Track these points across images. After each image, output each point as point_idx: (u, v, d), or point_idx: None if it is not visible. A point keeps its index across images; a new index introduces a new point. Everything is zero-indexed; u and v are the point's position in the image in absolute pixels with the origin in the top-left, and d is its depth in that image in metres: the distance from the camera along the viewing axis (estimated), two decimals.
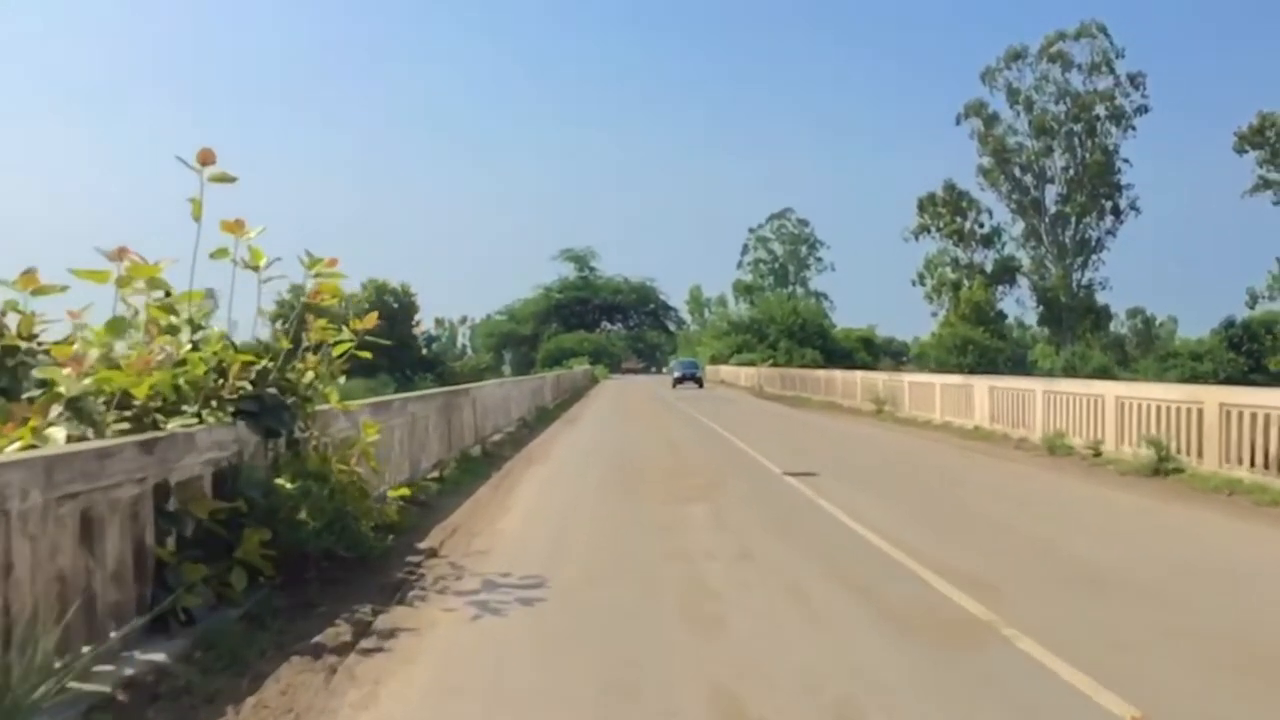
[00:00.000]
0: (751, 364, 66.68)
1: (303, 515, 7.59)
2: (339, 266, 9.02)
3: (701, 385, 59.29)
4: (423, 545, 9.66)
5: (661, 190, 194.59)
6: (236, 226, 8.46)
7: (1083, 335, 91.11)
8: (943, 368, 72.49)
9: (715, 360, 78.60)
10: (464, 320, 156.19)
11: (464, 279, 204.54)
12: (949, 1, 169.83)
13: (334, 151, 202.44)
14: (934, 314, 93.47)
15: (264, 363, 8.32)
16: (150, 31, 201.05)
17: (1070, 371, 79.02)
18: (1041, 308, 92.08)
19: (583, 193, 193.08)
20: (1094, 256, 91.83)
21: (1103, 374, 75.90)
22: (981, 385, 23.00)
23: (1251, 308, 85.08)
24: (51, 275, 7.71)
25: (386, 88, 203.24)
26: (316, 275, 8.98)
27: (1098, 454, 16.21)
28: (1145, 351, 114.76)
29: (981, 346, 79.45)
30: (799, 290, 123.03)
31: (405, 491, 11.37)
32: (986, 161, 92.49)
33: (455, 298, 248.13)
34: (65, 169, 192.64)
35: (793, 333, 78.60)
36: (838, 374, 38.48)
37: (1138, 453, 14.69)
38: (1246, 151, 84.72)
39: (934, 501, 12.47)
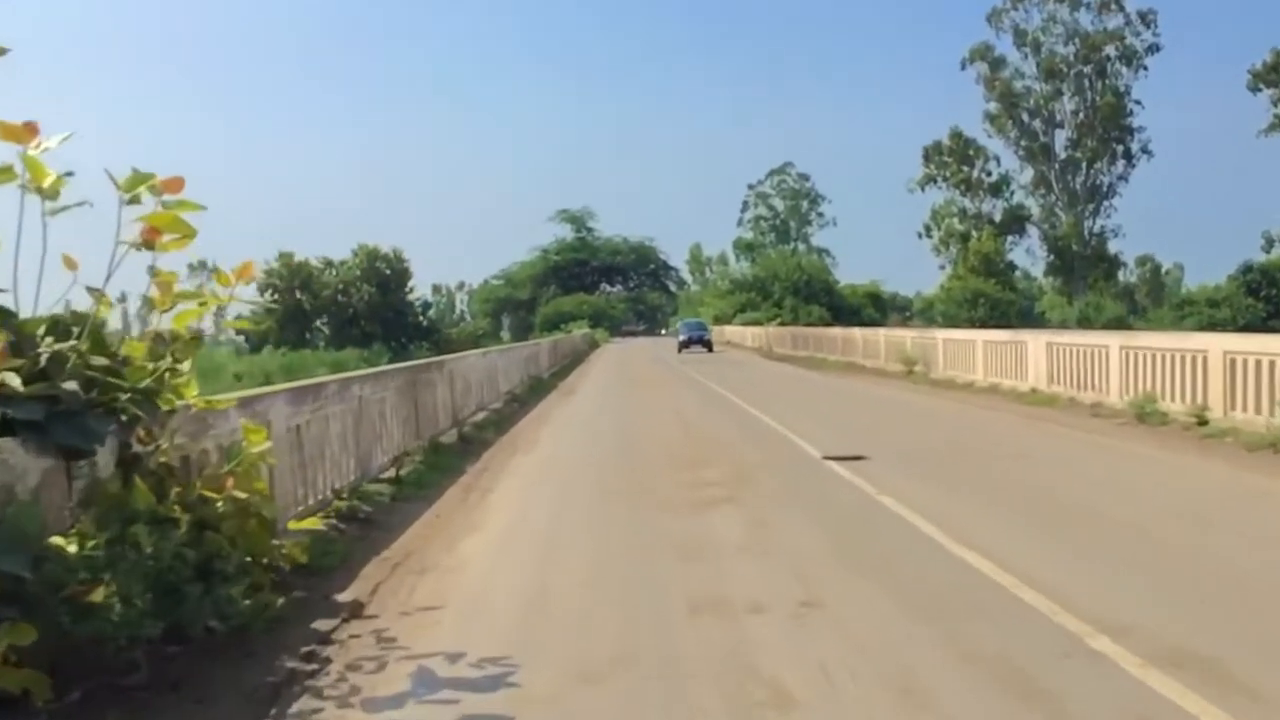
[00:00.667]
0: (757, 323, 63.67)
1: (105, 593, 4.61)
2: (186, 192, 5.75)
3: (710, 349, 50.94)
4: (344, 597, 6.69)
5: (659, 148, 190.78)
6: (23, 132, 5.38)
7: (1094, 285, 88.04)
8: (952, 322, 69.52)
9: (719, 320, 75.50)
10: (461, 286, 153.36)
11: (461, 244, 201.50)
12: None
13: (329, 114, 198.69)
14: (941, 266, 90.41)
15: (55, 346, 5.24)
16: None
17: (1085, 323, 76.01)
18: (1052, 257, 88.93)
19: (579, 153, 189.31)
20: (1105, 203, 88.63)
21: (1118, 325, 72.83)
22: (1037, 342, 19.94)
23: (1268, 252, 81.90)
24: None
25: (383, 49, 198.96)
26: (154, 200, 5.74)
27: (1203, 422, 13.21)
28: (1155, 301, 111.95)
29: (993, 299, 76.28)
30: (800, 247, 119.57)
31: (312, 524, 8.15)
32: (993, 107, 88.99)
33: (453, 264, 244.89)
34: None
35: (798, 290, 75.47)
36: (857, 332, 35.39)
37: (1271, 422, 11.66)
38: (1261, 90, 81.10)
39: (1040, 500, 9.43)
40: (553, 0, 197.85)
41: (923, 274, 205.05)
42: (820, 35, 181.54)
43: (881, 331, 32.93)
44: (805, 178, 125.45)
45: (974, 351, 23.28)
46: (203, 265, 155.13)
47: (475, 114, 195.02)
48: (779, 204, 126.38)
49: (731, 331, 66.49)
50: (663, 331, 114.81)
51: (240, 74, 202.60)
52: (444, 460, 13.31)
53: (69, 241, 5.51)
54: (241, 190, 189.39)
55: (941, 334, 27.71)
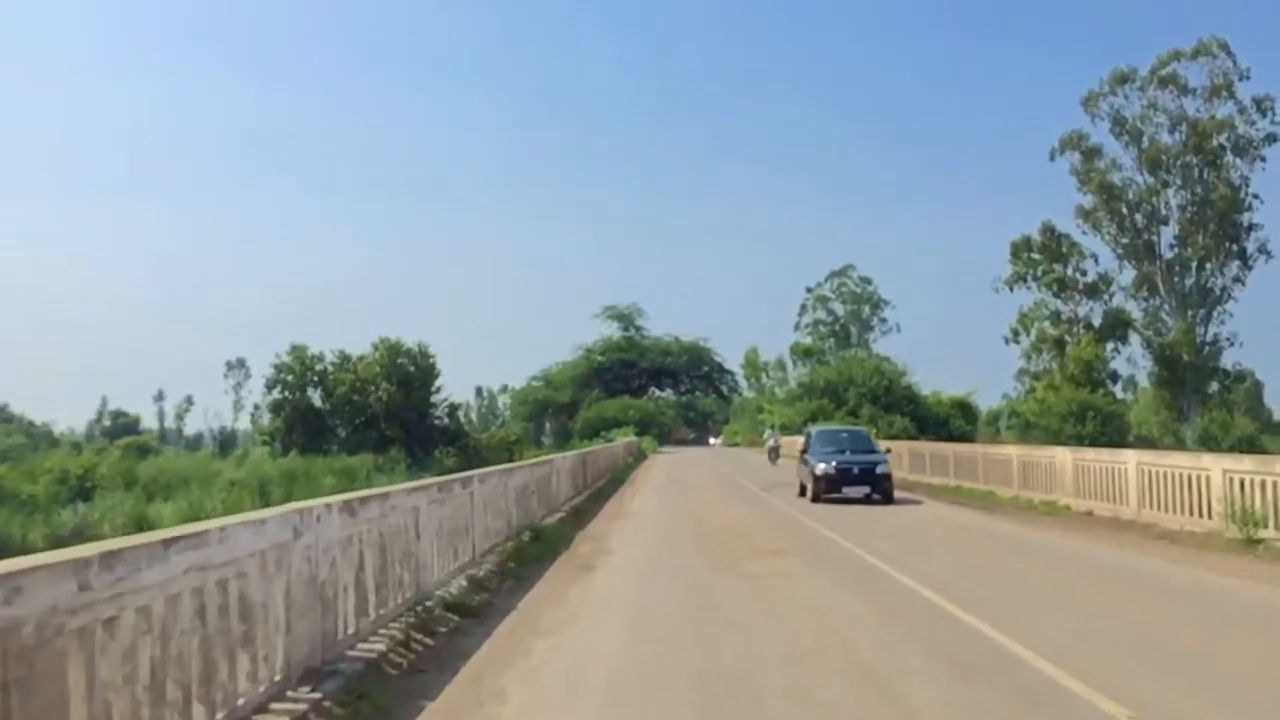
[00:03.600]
0: None
1: None
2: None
3: (890, 496, 23.71)
4: None
5: (711, 248, 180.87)
6: None
7: (1210, 400, 74.95)
8: (1055, 438, 56.87)
9: (786, 430, 63.25)
10: (505, 389, 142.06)
11: (508, 345, 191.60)
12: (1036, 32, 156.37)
13: (367, 214, 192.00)
14: (1034, 375, 77.85)
15: None
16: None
17: (1211, 443, 62.95)
18: (1158, 367, 75.95)
19: (627, 253, 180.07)
20: (1219, 308, 75.94)
21: (1249, 446, 59.90)
22: None
23: None
24: None
25: (416, 142, 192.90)
26: None
27: None
28: (1256, 418, 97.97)
29: (1104, 412, 63.35)
30: (861, 354, 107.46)
31: None
32: (1088, 201, 77.33)
33: (498, 365, 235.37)
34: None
35: (876, 397, 63.20)
36: (1014, 451, 23.36)
37: None
38: None
39: None
40: (610, 95, 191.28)
41: (991, 384, 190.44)
42: (881, 123, 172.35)
43: (1063, 453, 20.55)
44: (867, 281, 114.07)
45: None
46: (241, 363, 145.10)
47: (523, 211, 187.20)
48: (839, 308, 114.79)
49: None
50: (713, 441, 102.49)
51: (292, 170, 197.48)
52: None
53: None
54: (283, 289, 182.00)
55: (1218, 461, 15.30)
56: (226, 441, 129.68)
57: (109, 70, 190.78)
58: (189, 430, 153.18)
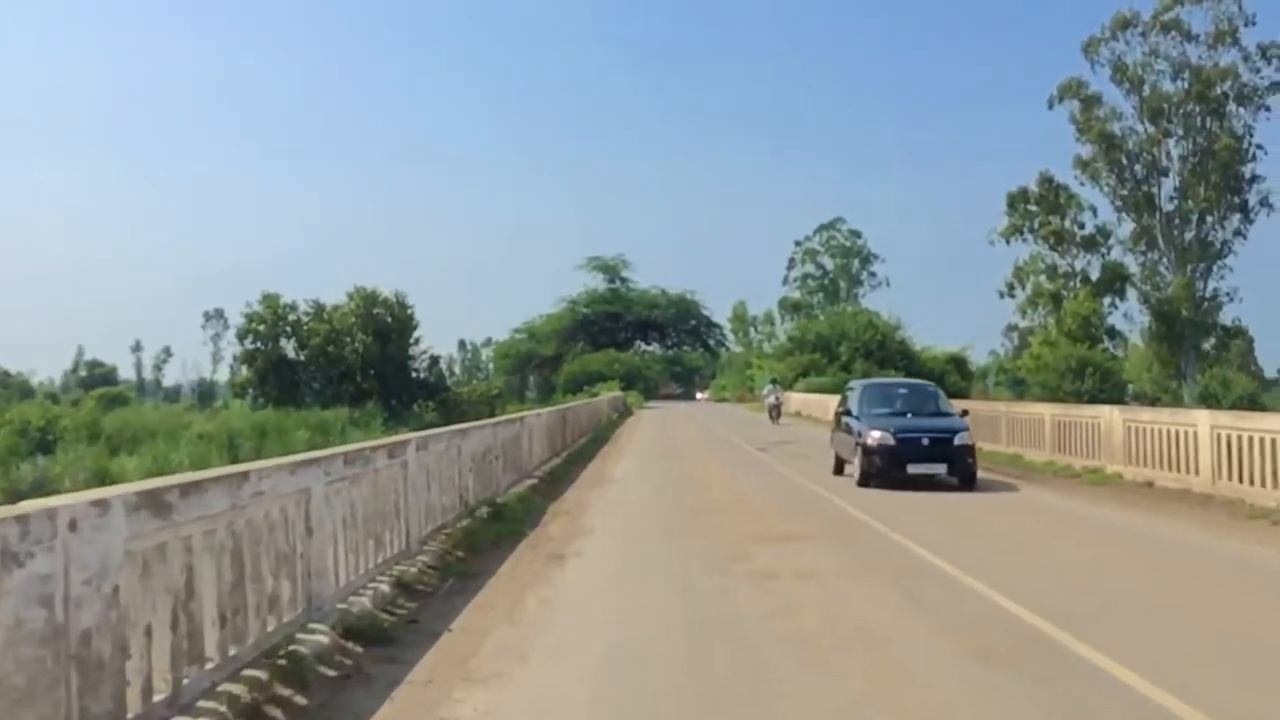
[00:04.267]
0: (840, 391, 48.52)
1: None
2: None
3: (972, 479, 16.51)
4: None
5: (698, 202, 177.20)
6: None
7: (1206, 357, 72.61)
8: (1053, 394, 54.36)
9: (777, 385, 60.64)
10: (489, 342, 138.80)
11: (493, 298, 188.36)
12: None
13: (358, 162, 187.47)
14: (1012, 329, 75.58)
15: None
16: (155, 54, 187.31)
17: (1212, 402, 60.57)
18: (1156, 322, 73.36)
19: (613, 205, 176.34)
20: (1219, 262, 73.30)
21: (1250, 404, 57.53)
22: None
23: None
24: None
25: (409, 97, 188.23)
26: None
27: None
28: (1247, 373, 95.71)
29: (1102, 369, 60.72)
30: (849, 309, 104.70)
31: None
32: (1086, 151, 74.24)
33: (483, 318, 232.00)
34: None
35: (870, 351, 60.52)
36: (1110, 413, 18.42)
37: None
38: None
39: None
40: (598, 53, 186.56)
41: (982, 339, 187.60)
42: (868, 72, 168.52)
43: (1111, 413, 17.60)
44: (857, 234, 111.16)
45: None
46: (219, 314, 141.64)
47: (514, 162, 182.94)
48: (828, 262, 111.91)
49: (800, 400, 51.28)
50: (699, 396, 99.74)
51: (274, 124, 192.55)
52: None
53: None
54: (265, 242, 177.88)
55: None
56: (205, 393, 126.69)
57: (85, 23, 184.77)
58: (168, 382, 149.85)
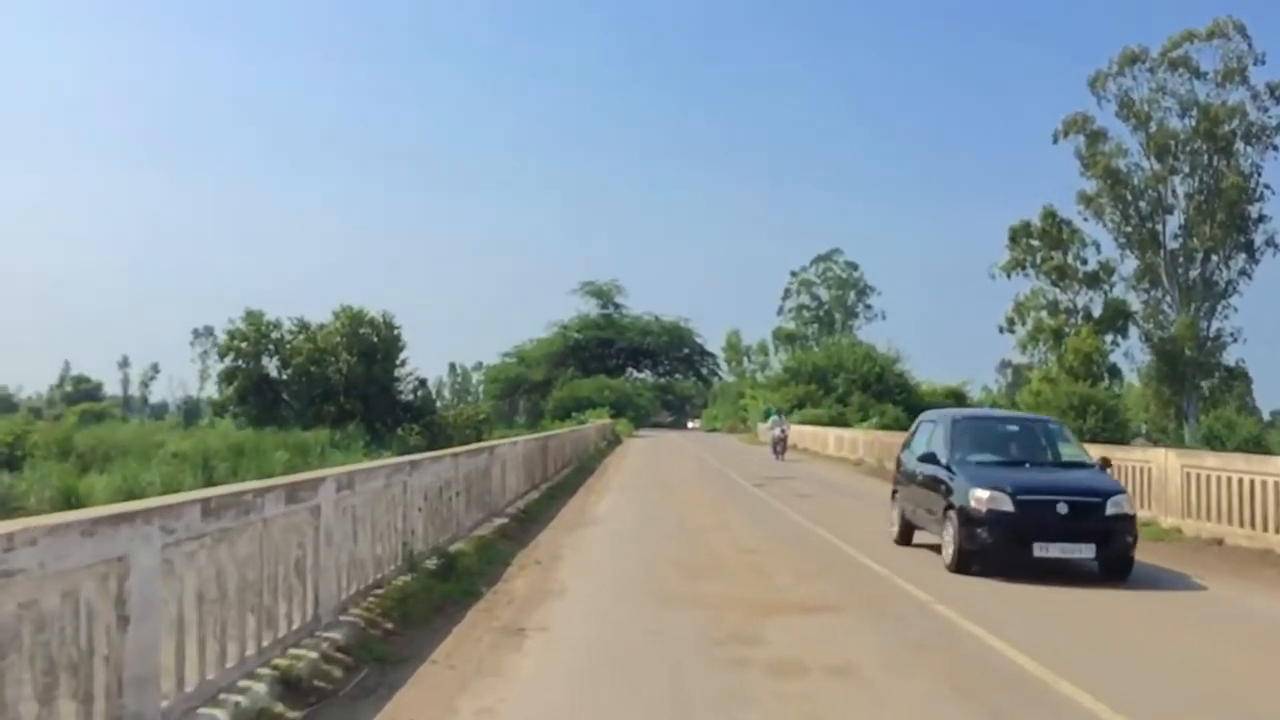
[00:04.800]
0: (840, 423, 46.23)
1: None
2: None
3: (1129, 565, 11.14)
4: None
5: (694, 230, 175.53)
6: None
7: (1208, 397, 70.71)
8: None
9: (769, 416, 58.42)
10: (479, 366, 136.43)
11: (482, 322, 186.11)
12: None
13: (344, 187, 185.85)
14: (1006, 365, 73.53)
15: None
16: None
17: (1216, 444, 58.47)
18: (1158, 361, 71.32)
19: (608, 231, 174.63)
20: (1223, 302, 71.45)
21: (1255, 446, 55.47)
22: None
23: None
24: None
25: (395, 120, 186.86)
26: None
27: None
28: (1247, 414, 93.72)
29: (1105, 407, 58.59)
30: (844, 341, 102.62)
31: None
32: (1091, 186, 72.54)
33: (474, 341, 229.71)
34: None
35: (868, 384, 58.39)
36: (1122, 454, 16.67)
37: None
38: None
39: None
40: (595, 76, 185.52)
41: (972, 377, 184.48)
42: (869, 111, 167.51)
43: (1165, 457, 15.32)
44: (853, 266, 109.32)
45: None
46: (208, 332, 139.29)
47: (510, 185, 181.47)
48: (824, 293, 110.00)
49: (796, 433, 48.89)
50: (691, 424, 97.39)
51: (268, 141, 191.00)
52: None
53: None
54: (256, 261, 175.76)
55: None
56: (191, 411, 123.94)
57: (83, 36, 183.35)
58: (155, 399, 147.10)
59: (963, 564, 11.04)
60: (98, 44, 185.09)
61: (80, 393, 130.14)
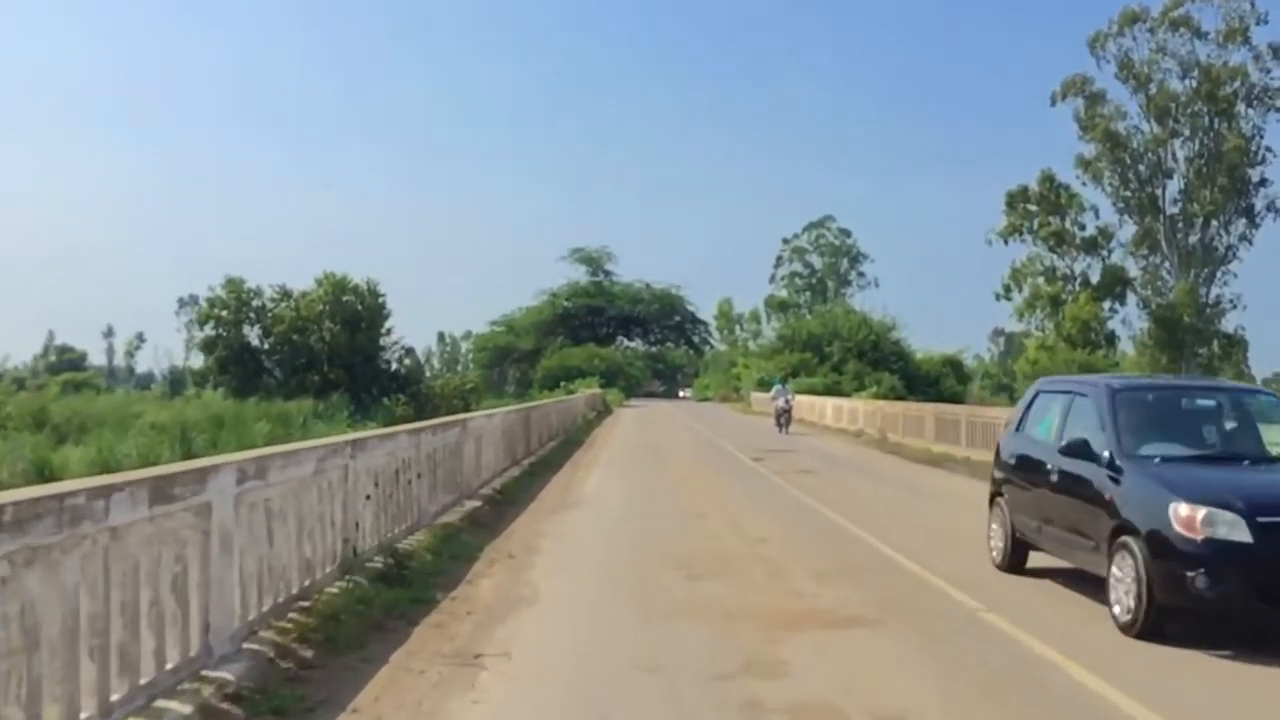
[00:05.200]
0: (835, 392, 44.57)
1: None
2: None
3: None
4: None
5: (685, 199, 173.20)
6: None
7: (1209, 364, 69.29)
8: None
9: (764, 386, 56.78)
10: (468, 335, 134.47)
11: (472, 290, 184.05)
12: None
13: (333, 156, 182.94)
14: (998, 334, 72.07)
15: None
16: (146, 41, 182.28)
17: None
18: (1156, 328, 69.84)
19: (599, 199, 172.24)
20: (1222, 268, 69.96)
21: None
22: None
23: None
24: None
25: (387, 85, 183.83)
26: None
27: None
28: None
29: (1105, 375, 56.97)
30: (837, 310, 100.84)
31: None
32: (1089, 150, 70.79)
33: (465, 310, 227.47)
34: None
35: (863, 352, 56.79)
36: None
37: None
38: None
39: None
40: (585, 45, 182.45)
41: (965, 344, 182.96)
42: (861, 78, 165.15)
43: None
44: (846, 233, 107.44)
45: None
46: (194, 301, 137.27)
47: (503, 154, 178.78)
48: (816, 260, 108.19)
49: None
50: (682, 394, 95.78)
51: (254, 110, 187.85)
52: None
53: None
54: (243, 230, 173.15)
55: None
56: (178, 381, 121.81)
57: (65, 10, 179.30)
58: (140, 369, 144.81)
59: (1154, 625, 6.93)
60: (85, 17, 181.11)
61: (64, 363, 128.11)
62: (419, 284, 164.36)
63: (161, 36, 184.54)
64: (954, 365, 61.35)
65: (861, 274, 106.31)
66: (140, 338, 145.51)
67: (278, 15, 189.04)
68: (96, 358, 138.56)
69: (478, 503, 12.72)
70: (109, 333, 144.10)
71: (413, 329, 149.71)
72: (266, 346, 60.87)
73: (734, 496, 15.35)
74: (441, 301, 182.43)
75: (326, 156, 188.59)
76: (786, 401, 34.54)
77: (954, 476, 18.38)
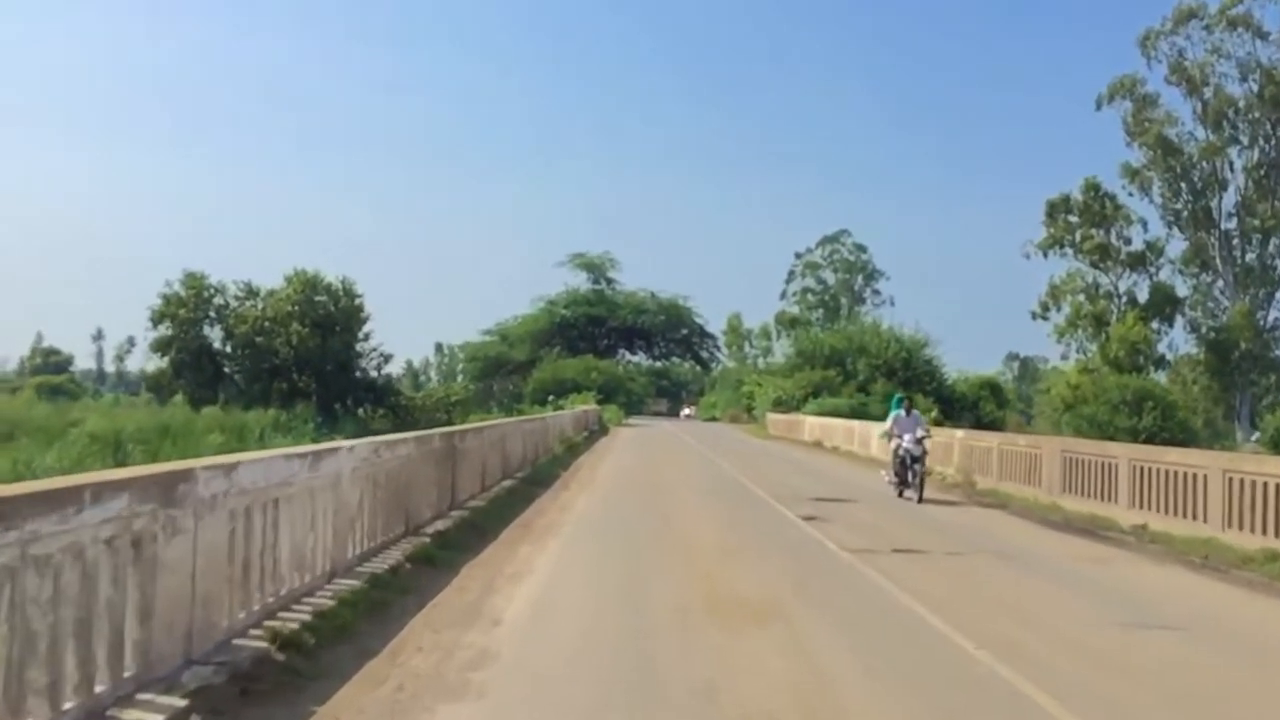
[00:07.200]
0: (862, 415, 36.94)
1: None
2: None
3: None
4: None
5: (694, 211, 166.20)
6: None
7: (1269, 395, 61.95)
8: (1103, 431, 43.37)
9: (781, 406, 49.28)
10: (465, 345, 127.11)
11: (472, 298, 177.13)
12: None
13: (334, 160, 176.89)
14: (1012, 358, 64.65)
15: None
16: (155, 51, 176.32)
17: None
18: (1208, 354, 62.39)
19: (606, 212, 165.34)
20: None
21: None
22: None
23: None
24: None
25: (394, 91, 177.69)
26: None
27: None
28: None
29: (1164, 403, 49.56)
30: (865, 322, 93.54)
31: None
32: (1137, 157, 63.66)
33: (466, 320, 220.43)
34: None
35: (893, 370, 49.27)
36: None
37: None
38: None
39: None
40: (597, 52, 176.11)
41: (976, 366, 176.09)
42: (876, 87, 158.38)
43: None
44: (862, 248, 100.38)
45: None
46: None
47: (510, 164, 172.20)
48: (830, 276, 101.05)
49: (815, 426, 39.64)
50: (685, 412, 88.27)
51: (254, 112, 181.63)
52: None
53: None
54: (239, 233, 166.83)
55: None
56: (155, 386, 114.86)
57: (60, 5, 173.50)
58: (133, 373, 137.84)
59: None
60: (87, 16, 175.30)
61: (49, 365, 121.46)
62: (421, 293, 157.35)
63: (161, 37, 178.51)
64: (993, 388, 53.90)
65: (877, 291, 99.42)
66: (131, 342, 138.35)
67: (277, 17, 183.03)
68: (86, 361, 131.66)
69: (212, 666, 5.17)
70: (98, 335, 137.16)
71: (413, 340, 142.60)
72: (228, 349, 53.67)
73: (798, 608, 7.82)
74: (446, 313, 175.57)
75: (333, 165, 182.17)
76: (919, 441, 17.31)
77: (1208, 582, 10.28)
